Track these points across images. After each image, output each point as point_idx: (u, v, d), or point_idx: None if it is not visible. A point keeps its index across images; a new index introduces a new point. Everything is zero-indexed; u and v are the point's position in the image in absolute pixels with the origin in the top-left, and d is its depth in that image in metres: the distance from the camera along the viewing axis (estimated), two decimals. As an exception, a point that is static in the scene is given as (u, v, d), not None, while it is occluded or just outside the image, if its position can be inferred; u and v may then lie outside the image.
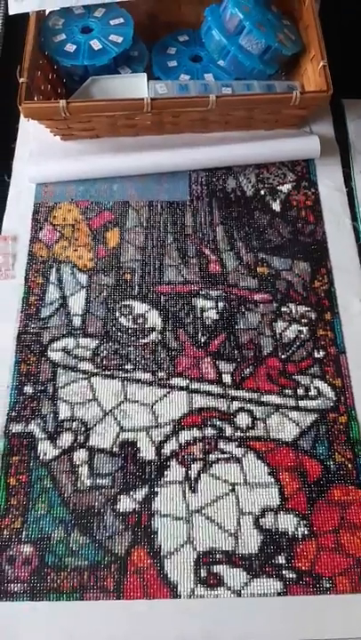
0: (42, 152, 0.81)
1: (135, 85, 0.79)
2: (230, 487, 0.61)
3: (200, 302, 0.72)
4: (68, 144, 0.82)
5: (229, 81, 0.81)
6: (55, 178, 0.79)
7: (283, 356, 0.68)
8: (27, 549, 0.58)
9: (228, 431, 0.64)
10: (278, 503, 0.60)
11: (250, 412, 0.65)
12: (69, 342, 0.69)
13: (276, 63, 0.80)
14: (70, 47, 0.79)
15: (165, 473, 0.61)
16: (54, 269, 0.74)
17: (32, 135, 0.82)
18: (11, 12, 0.77)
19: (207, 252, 0.75)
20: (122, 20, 0.81)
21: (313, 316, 0.71)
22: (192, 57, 0.86)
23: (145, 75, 0.80)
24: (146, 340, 0.69)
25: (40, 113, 0.74)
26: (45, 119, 0.76)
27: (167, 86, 0.78)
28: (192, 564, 0.57)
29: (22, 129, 0.84)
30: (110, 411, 0.65)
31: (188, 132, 0.83)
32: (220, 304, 0.72)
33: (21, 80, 0.71)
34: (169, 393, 0.66)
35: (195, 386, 0.66)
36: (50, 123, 0.77)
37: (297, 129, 0.84)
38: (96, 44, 0.79)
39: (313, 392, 0.66)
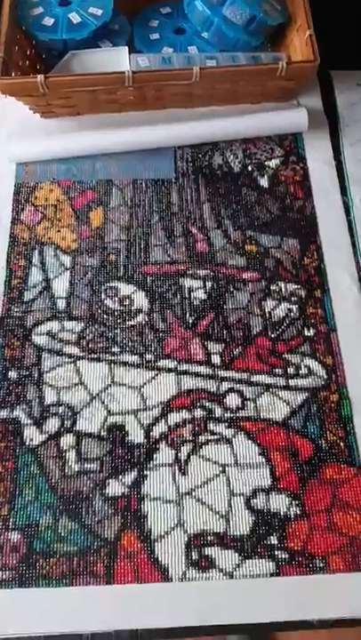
0: (21, 130, 0.79)
1: (116, 59, 0.76)
2: (221, 468, 0.60)
3: (187, 282, 0.70)
4: (48, 122, 0.80)
5: (214, 53, 0.78)
6: (36, 157, 0.77)
7: (272, 335, 0.67)
8: (14, 536, 0.57)
9: (218, 412, 0.63)
10: (270, 483, 0.59)
11: (240, 393, 0.64)
12: (54, 326, 0.67)
13: (261, 34, 0.78)
14: (48, 21, 0.76)
15: (155, 456, 0.60)
16: (37, 251, 0.72)
17: (10, 113, 0.79)
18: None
19: (194, 230, 0.74)
20: (101, -8, 0.78)
21: (303, 293, 0.69)
22: (175, 29, 0.83)
23: (126, 48, 0.77)
24: (132, 322, 0.68)
25: (18, 89, 0.72)
26: (23, 95, 0.74)
27: (149, 59, 0.76)
28: (183, 546, 0.56)
29: (0, 107, 0.81)
30: (97, 394, 0.63)
31: (172, 107, 0.80)
32: (208, 284, 0.70)
33: (-3, 55, 0.69)
34: (157, 375, 0.65)
35: (183, 367, 0.65)
36: (28, 99, 0.75)
37: (284, 102, 0.81)
38: (75, 18, 0.76)
39: (303, 371, 0.65)
